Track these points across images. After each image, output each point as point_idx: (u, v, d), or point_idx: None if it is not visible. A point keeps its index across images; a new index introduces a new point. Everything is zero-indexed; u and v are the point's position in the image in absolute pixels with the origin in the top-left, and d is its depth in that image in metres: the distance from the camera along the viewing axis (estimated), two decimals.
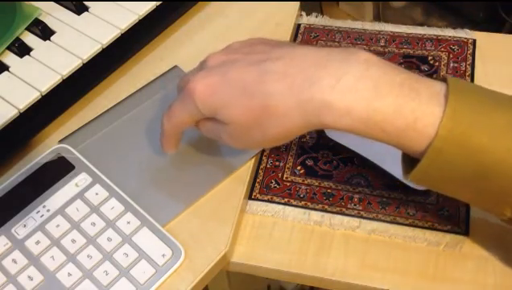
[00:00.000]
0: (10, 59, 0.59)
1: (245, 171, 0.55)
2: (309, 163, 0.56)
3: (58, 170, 0.53)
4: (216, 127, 0.47)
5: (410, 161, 0.44)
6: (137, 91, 0.60)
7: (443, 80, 0.43)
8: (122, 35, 0.61)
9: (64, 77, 0.57)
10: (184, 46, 0.65)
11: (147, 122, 0.57)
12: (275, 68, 0.44)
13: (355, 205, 0.53)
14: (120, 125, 0.57)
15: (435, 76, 0.60)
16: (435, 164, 0.41)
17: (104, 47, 0.59)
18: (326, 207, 0.53)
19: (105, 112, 0.59)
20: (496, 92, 0.43)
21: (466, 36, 0.63)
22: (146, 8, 0.62)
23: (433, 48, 0.63)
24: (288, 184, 0.55)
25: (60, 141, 0.56)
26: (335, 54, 0.43)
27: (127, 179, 0.54)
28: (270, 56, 0.45)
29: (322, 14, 0.68)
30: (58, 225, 0.50)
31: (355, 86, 0.42)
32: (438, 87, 0.42)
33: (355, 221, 0.52)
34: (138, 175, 0.54)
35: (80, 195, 0.52)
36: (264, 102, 0.44)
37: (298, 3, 0.67)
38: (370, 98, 0.41)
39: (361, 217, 0.52)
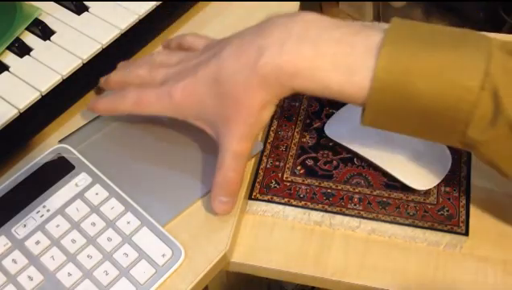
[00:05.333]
0: (10, 59, 0.59)
1: (245, 171, 0.55)
2: (309, 163, 0.56)
3: (58, 170, 0.53)
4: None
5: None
6: None
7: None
8: (122, 35, 0.61)
9: (64, 77, 0.57)
10: None
11: (147, 121, 0.57)
12: (229, 51, 0.48)
13: (355, 205, 0.53)
14: (120, 125, 0.57)
15: None
16: (379, 113, 0.45)
17: (104, 47, 0.59)
18: (326, 207, 0.53)
19: None
20: (438, 30, 0.45)
21: None
22: (146, 8, 0.62)
23: None
24: (288, 184, 0.55)
25: (60, 141, 0.56)
26: (276, 20, 0.48)
27: (127, 179, 0.53)
28: (220, 47, 0.49)
29: (322, 14, 0.67)
30: (58, 225, 0.50)
31: (297, 48, 0.45)
32: (376, 38, 0.44)
33: (355, 221, 0.52)
34: (138, 174, 0.54)
35: (80, 195, 0.52)
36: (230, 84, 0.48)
37: (298, 3, 0.67)
38: (312, 58, 0.45)
39: (361, 217, 0.52)
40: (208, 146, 0.55)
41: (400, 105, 0.43)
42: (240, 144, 0.49)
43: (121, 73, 0.56)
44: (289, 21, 0.47)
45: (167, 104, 0.51)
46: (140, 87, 0.53)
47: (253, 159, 0.55)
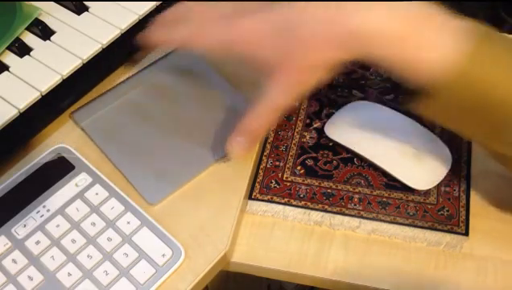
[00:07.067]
0: (10, 59, 0.59)
1: (245, 171, 0.55)
2: (309, 163, 0.56)
3: (58, 170, 0.53)
4: None
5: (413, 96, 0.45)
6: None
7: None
8: (122, 35, 0.61)
9: (64, 77, 0.57)
10: None
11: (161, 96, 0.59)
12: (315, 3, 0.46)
13: (355, 205, 0.53)
14: (129, 100, 0.59)
15: None
16: (445, 101, 0.43)
17: (104, 47, 0.59)
18: (326, 207, 0.53)
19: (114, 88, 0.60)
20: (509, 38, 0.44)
21: None
22: (146, 8, 0.62)
23: None
24: (288, 184, 0.55)
25: (73, 112, 0.58)
26: None
27: (130, 149, 0.55)
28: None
29: None
30: (58, 225, 0.50)
31: (387, 17, 0.44)
32: (462, 24, 0.44)
33: (355, 221, 0.52)
34: (144, 143, 0.56)
35: (80, 195, 0.52)
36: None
37: None
38: (398, 29, 0.43)
39: (361, 217, 0.52)
40: (204, 130, 0.56)
41: (468, 91, 0.42)
42: (281, 96, 0.48)
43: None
44: None
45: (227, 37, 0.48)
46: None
47: (253, 159, 0.55)
